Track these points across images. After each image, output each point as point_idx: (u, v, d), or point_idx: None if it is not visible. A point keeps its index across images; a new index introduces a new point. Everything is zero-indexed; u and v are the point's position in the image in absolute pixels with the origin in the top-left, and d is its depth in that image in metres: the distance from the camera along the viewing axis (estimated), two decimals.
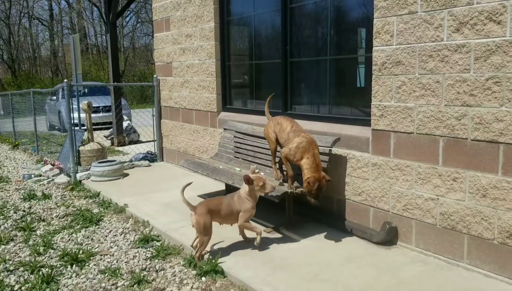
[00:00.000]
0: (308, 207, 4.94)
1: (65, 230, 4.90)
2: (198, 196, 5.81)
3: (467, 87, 3.46)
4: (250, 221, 4.12)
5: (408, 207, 3.99)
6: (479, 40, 3.35)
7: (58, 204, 5.93)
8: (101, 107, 12.86)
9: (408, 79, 3.89)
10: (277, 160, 4.84)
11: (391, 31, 3.97)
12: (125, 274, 3.82)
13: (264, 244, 4.18)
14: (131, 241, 4.54)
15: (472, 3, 3.37)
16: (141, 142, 11.19)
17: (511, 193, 3.26)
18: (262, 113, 5.92)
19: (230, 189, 5.60)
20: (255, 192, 4.01)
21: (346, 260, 3.84)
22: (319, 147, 4.55)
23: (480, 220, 3.47)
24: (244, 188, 4.02)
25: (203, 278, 3.67)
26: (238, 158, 5.67)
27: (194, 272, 3.79)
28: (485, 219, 3.44)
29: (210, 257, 3.88)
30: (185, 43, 7.22)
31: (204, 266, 3.74)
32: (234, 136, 5.84)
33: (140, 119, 10.82)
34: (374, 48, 4.15)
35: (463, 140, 3.53)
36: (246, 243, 4.20)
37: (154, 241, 4.51)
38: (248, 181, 3.97)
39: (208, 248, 4.05)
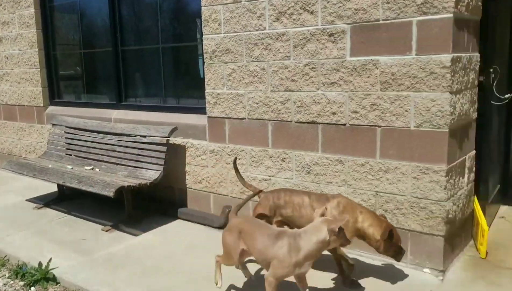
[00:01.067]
0: (149, 200, 4.84)
1: None
2: (27, 200, 5.25)
3: (288, 73, 3.71)
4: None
5: (245, 189, 4.15)
6: (296, 29, 3.61)
7: None
8: None
9: (237, 66, 4.02)
10: None
11: (218, 19, 4.05)
12: None
13: (103, 243, 3.97)
14: None
15: None
16: None
17: (330, 168, 3.61)
18: (95, 105, 5.59)
19: (64, 190, 5.19)
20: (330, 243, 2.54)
21: (188, 248, 3.84)
22: (157, 137, 4.48)
23: None
24: (314, 236, 2.52)
25: (32, 288, 3.33)
26: (71, 155, 5.27)
27: (22, 283, 3.42)
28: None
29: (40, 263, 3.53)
30: (2, 32, 6.41)
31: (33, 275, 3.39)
32: (65, 132, 5.40)
33: None
34: (204, 36, 4.20)
35: (288, 123, 3.79)
36: (82, 244, 3.93)
37: None
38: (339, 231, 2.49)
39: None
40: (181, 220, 4.52)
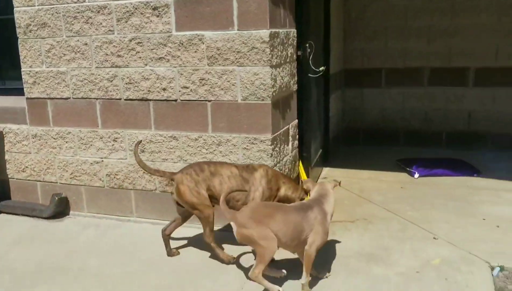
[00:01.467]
0: None
1: None
2: None
3: (114, 48, 3.54)
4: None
5: (75, 174, 3.89)
6: (118, 2, 3.43)
7: None
8: None
9: (56, 42, 3.69)
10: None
11: None
12: None
13: None
14: None
15: None
16: None
17: (164, 145, 3.57)
18: None
19: None
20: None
21: (13, 243, 3.48)
22: None
23: (142, 174, 3.69)
24: (331, 197, 2.75)
25: None
26: None
27: None
28: (147, 173, 3.68)
29: None
30: None
31: None
32: None
33: None
34: (15, 9, 3.77)
35: (117, 101, 3.63)
36: None
37: None
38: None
39: None
40: (4, 214, 4.08)
